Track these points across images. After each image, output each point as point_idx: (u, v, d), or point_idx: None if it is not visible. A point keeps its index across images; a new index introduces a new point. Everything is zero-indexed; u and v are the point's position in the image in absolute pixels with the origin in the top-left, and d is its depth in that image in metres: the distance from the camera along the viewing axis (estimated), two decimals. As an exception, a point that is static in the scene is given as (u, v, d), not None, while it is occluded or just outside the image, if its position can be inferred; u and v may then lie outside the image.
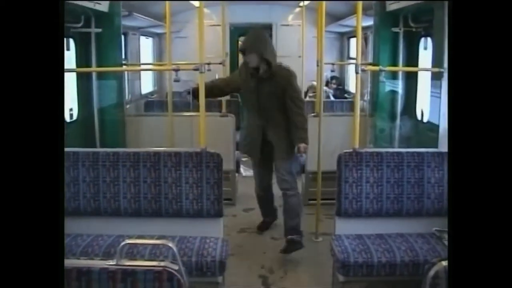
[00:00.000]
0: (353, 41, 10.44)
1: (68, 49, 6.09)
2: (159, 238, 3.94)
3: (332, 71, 10.68)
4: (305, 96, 9.43)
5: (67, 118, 6.14)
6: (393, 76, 6.87)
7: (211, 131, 4.62)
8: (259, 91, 5.06)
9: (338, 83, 10.41)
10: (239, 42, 11.25)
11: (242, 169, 8.19)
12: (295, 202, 5.21)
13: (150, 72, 10.60)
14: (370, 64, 6.98)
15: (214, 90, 5.21)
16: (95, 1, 4.98)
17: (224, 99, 7.04)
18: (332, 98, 9.59)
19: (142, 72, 9.76)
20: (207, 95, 4.36)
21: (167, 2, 5.29)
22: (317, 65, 6.10)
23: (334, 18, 9.13)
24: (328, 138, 5.83)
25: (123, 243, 2.31)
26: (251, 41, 5.01)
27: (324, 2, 5.59)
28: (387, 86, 6.79)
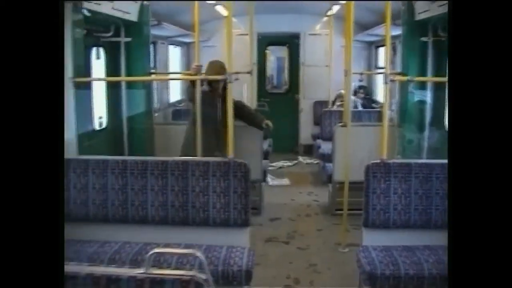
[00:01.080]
0: (381, 50, 10.37)
1: (98, 58, 6.18)
2: (185, 246, 3.97)
3: (360, 80, 10.63)
4: (333, 105, 9.40)
5: (96, 126, 6.21)
6: (422, 86, 6.82)
7: (239, 140, 4.63)
8: (219, 104, 5.85)
9: (365, 92, 10.35)
10: (267, 52, 11.29)
11: (269, 179, 8.19)
12: None
13: (178, 81, 10.67)
14: (398, 73, 6.92)
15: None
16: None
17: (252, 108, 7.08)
18: (360, 108, 9.53)
19: (170, 81, 9.83)
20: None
21: (195, 11, 5.33)
22: (345, 75, 6.08)
23: (362, 27, 9.11)
24: (356, 148, 5.80)
25: (151, 252, 2.32)
26: (218, 71, 5.59)
27: (352, 11, 5.57)
28: (416, 96, 6.74)
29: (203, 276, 2.22)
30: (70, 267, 2.31)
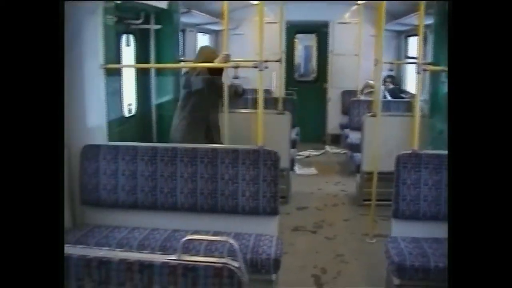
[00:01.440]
0: (411, 40, 10.26)
1: (128, 45, 6.21)
2: (214, 234, 3.99)
3: (391, 70, 10.53)
4: (360, 94, 9.33)
5: (125, 112, 6.25)
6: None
7: (267, 129, 4.62)
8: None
9: (393, 82, 10.23)
10: (296, 40, 11.23)
11: (296, 167, 8.17)
12: None
13: None
14: (429, 63, 6.83)
15: None
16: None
17: (280, 97, 7.05)
18: (388, 98, 9.45)
19: None
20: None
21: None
22: (375, 64, 6.02)
23: (392, 16, 8.99)
24: (384, 139, 5.75)
25: (184, 239, 2.33)
26: (210, 56, 5.60)
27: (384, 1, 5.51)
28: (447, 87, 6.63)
29: (235, 264, 2.23)
30: (103, 253, 2.33)
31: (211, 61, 5.38)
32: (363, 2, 9.08)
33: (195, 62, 5.76)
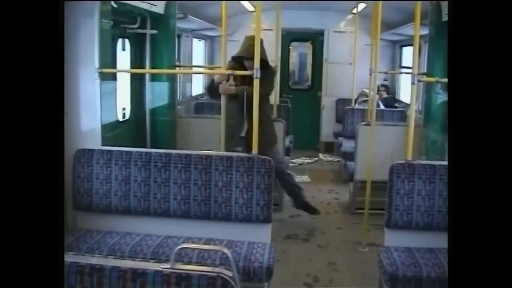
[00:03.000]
0: (405, 50, 10.30)
1: (123, 49, 6.20)
2: (206, 241, 3.97)
3: (385, 79, 10.56)
4: (355, 103, 9.34)
5: (119, 117, 6.23)
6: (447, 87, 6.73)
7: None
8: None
9: (387, 91, 10.25)
10: (290, 48, 11.24)
11: (289, 175, 8.16)
12: None
13: (201, 74, 10.66)
14: (424, 74, 6.85)
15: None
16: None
17: (275, 104, 7.04)
18: (381, 107, 9.46)
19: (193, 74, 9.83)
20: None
21: (224, 7, 5.30)
22: (370, 74, 6.03)
23: (387, 26, 9.03)
24: (378, 148, 5.75)
25: (178, 247, 2.32)
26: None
27: (380, 10, 5.52)
28: (442, 97, 6.66)
29: (229, 273, 2.21)
30: (96, 260, 2.31)
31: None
32: (360, 9, 9.10)
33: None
